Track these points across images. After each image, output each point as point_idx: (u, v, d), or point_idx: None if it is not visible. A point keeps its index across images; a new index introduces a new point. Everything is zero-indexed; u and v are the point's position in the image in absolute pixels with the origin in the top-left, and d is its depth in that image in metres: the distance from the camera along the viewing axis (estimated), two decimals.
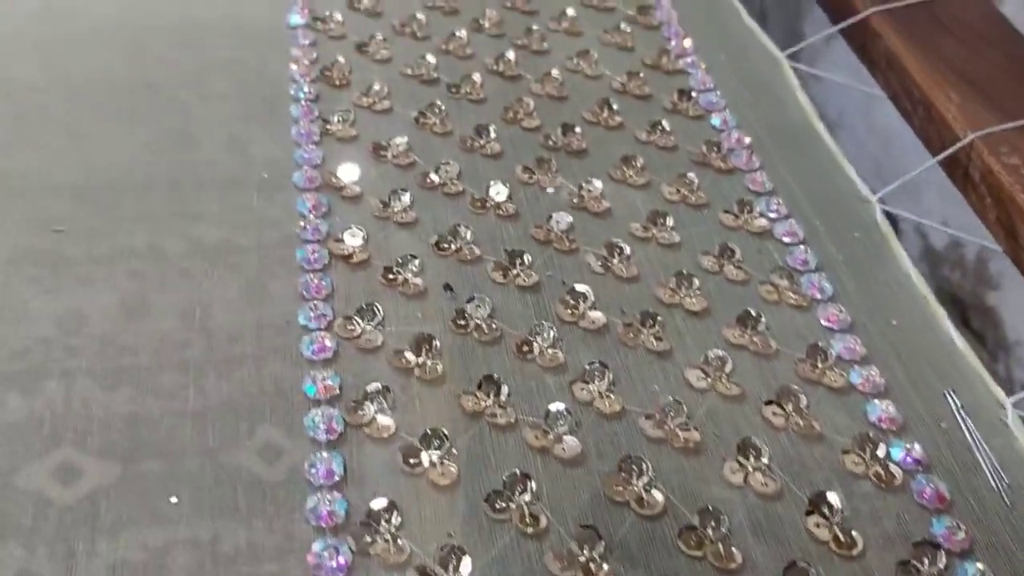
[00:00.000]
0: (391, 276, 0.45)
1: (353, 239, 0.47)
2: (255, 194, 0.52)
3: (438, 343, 0.42)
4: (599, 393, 0.40)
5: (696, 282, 0.46)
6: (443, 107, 0.54)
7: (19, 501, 0.37)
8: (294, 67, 0.57)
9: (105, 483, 0.38)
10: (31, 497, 0.37)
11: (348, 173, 0.50)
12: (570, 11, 0.63)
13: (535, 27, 0.61)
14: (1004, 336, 1.19)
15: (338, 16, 0.61)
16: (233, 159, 0.55)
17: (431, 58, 0.58)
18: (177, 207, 0.52)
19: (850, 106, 1.23)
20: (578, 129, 0.54)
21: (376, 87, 0.55)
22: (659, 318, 0.44)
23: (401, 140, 0.52)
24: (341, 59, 0.57)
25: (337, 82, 0.56)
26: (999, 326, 1.19)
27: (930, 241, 1.26)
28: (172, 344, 0.44)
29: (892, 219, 0.52)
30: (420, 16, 0.61)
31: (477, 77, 0.57)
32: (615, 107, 0.56)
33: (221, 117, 0.58)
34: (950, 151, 0.54)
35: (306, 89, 0.55)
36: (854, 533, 0.37)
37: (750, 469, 0.38)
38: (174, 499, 0.37)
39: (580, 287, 0.45)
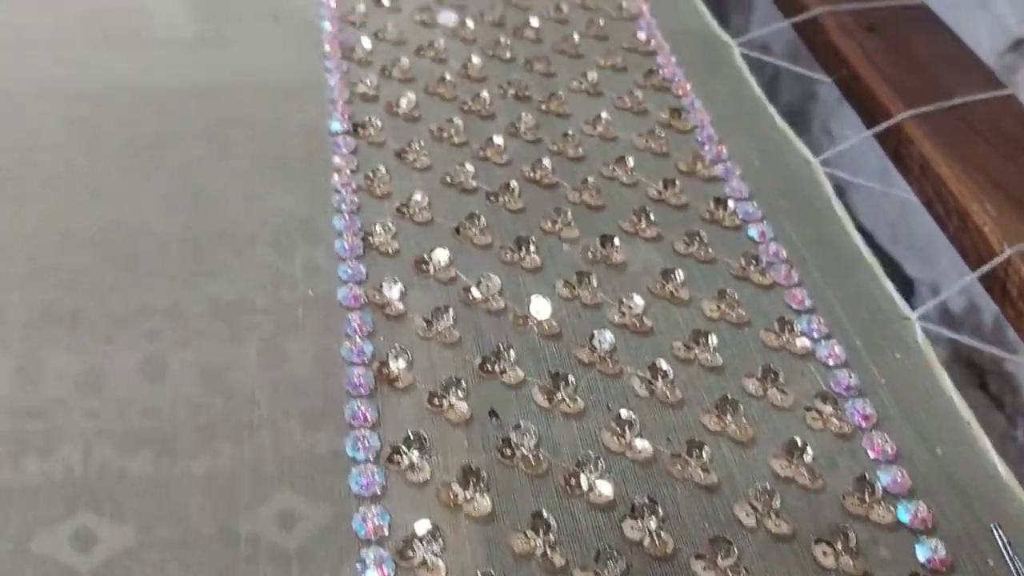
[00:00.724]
0: (436, 402, 0.45)
1: (398, 361, 0.47)
2: (272, 252, 0.54)
3: (485, 475, 0.42)
4: (649, 531, 0.40)
5: (741, 407, 0.46)
6: (482, 217, 0.55)
7: (36, 568, 0.38)
8: (336, 177, 0.58)
9: (122, 549, 0.39)
10: (48, 564, 0.38)
11: (392, 290, 0.50)
12: (604, 115, 0.64)
13: (570, 131, 0.62)
14: (1022, 402, 1.18)
15: (377, 122, 0.61)
16: (250, 215, 0.56)
17: (469, 166, 0.58)
18: (195, 264, 0.53)
19: (882, 211, 1.24)
20: (617, 241, 0.54)
21: (417, 197, 0.56)
22: (705, 447, 0.44)
23: (443, 254, 0.52)
24: (382, 168, 0.58)
25: (378, 191, 0.57)
26: (1017, 392, 1.19)
27: (946, 303, 1.26)
28: (189, 406, 0.45)
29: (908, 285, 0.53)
30: (457, 120, 0.62)
31: (515, 184, 0.57)
32: (652, 217, 0.56)
33: (239, 173, 0.59)
34: (987, 267, 0.54)
35: (348, 200, 0.56)
36: None
37: None
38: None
39: (625, 414, 0.45)
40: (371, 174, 0.58)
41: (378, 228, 0.54)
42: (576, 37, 0.71)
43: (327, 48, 0.67)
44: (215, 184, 0.59)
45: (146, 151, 0.61)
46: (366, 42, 0.67)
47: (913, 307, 0.52)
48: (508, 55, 0.69)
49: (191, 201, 0.58)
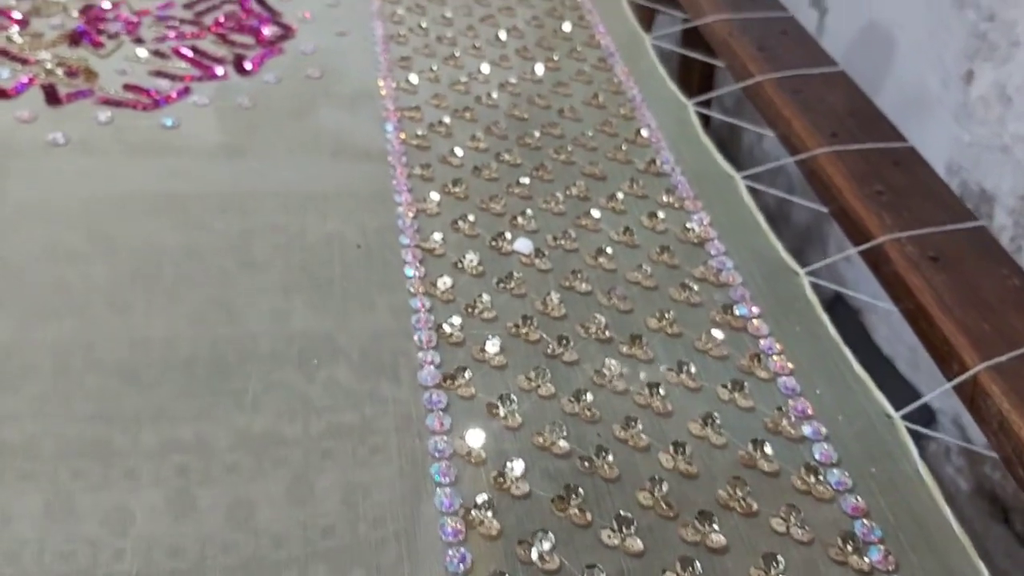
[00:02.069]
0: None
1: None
2: (299, 375, 0.56)
3: None
4: None
5: None
6: (580, 488, 0.55)
7: None
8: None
9: None
10: None
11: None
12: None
13: (660, 389, 0.63)
14: None
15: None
16: (275, 333, 0.58)
17: (560, 422, 0.59)
18: (220, 386, 0.55)
19: (901, 333, 1.26)
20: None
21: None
22: None
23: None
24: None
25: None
26: None
27: (968, 435, 1.26)
28: (217, 546, 0.44)
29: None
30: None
31: (607, 445, 0.58)
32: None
33: (264, 288, 0.62)
34: None
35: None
36: None
37: None
38: None
39: None
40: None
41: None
42: (649, 268, 0.72)
43: (413, 292, 0.68)
44: (241, 298, 0.60)
45: (170, 263, 0.63)
46: (446, 280, 0.68)
47: (938, 428, 0.53)
48: (584, 287, 0.70)
49: (216, 318, 0.58)
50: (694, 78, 1.23)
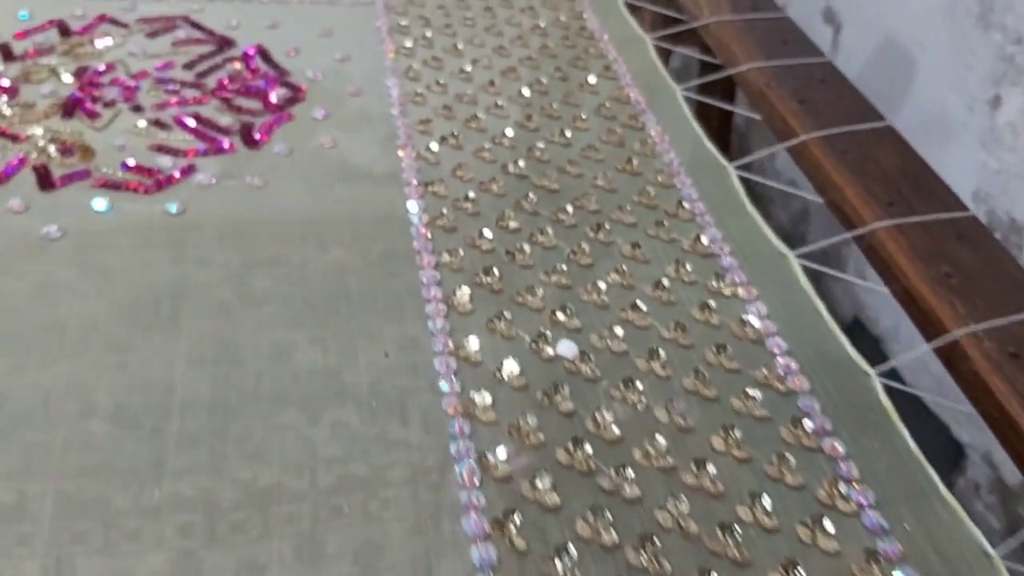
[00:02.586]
0: None
1: None
2: (303, 417, 0.54)
3: None
4: None
5: None
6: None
7: None
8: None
9: None
10: None
11: None
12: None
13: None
14: None
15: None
16: (276, 372, 0.57)
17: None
18: (223, 430, 0.53)
19: (927, 367, 1.20)
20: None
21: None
22: None
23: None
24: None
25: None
26: None
27: (1001, 473, 1.21)
28: None
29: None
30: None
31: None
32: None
33: (265, 323, 0.60)
34: None
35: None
36: None
37: None
38: None
39: None
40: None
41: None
42: (707, 372, 0.66)
43: (449, 412, 0.61)
44: (240, 334, 0.59)
45: (167, 298, 0.62)
46: (485, 398, 0.62)
47: (978, 489, 0.48)
48: (643, 403, 0.63)
49: (216, 358, 0.57)
50: (712, 124, 1.16)
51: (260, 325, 0.64)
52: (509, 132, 0.88)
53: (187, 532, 0.47)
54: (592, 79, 0.98)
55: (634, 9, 1.14)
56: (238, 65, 0.94)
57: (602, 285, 0.72)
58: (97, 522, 0.47)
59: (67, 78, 0.89)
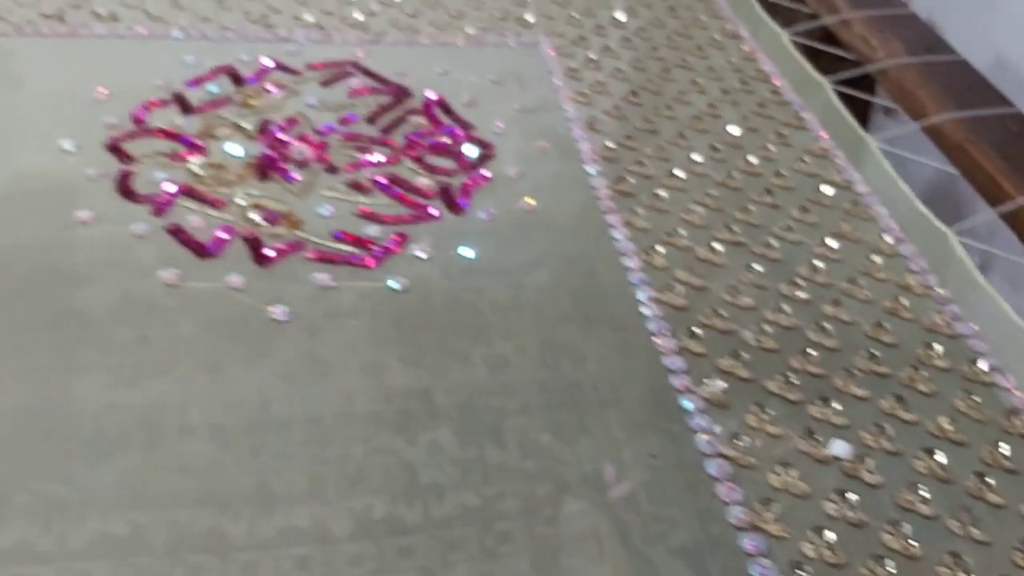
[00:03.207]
0: None
1: None
2: (399, 438, 0.55)
3: None
4: None
5: None
6: None
7: None
8: None
9: None
10: None
11: None
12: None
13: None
14: None
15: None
16: (367, 388, 0.58)
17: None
18: (320, 451, 0.54)
19: None
20: None
21: None
22: None
23: None
24: None
25: None
26: None
27: None
28: None
29: None
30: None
31: None
32: None
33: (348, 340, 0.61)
34: None
35: None
36: None
37: None
38: None
39: None
40: None
41: None
42: (992, 480, 0.62)
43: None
44: (328, 352, 0.60)
45: (257, 320, 0.63)
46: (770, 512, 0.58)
47: None
48: (926, 509, 0.60)
49: (309, 375, 0.58)
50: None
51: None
52: (713, 192, 0.84)
53: (304, 566, 0.46)
54: (784, 130, 0.94)
55: (803, 48, 1.10)
56: (422, 119, 0.90)
57: (856, 373, 0.68)
58: (213, 555, 0.47)
59: (249, 128, 0.86)
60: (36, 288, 0.66)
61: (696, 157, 0.89)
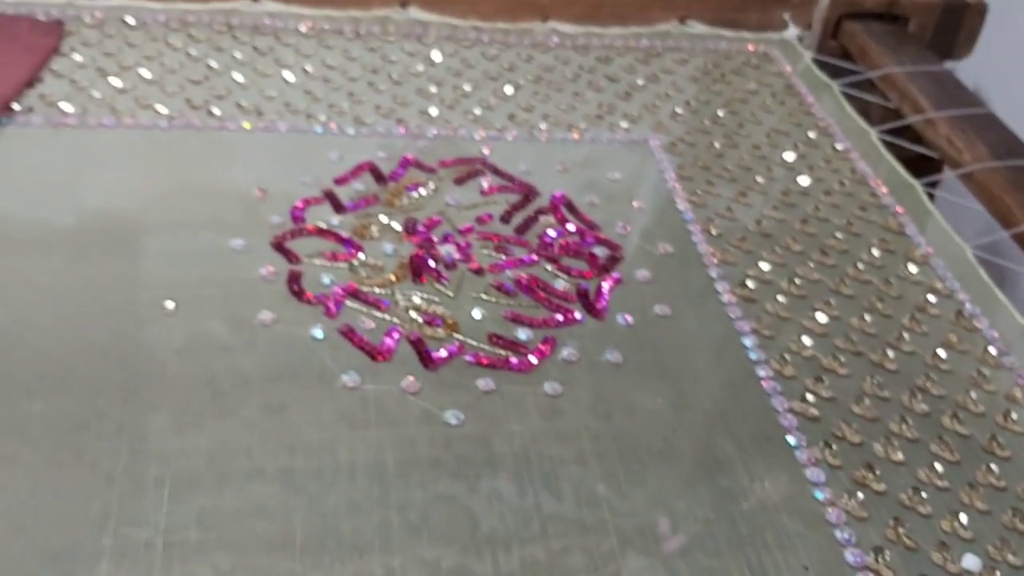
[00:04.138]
0: None
1: None
2: (461, 485, 0.60)
3: None
4: None
5: None
6: None
7: None
8: None
9: None
10: None
11: None
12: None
13: None
14: None
15: None
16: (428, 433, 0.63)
17: None
18: (383, 498, 0.58)
19: None
20: None
21: None
22: None
23: None
24: None
25: None
26: None
27: None
28: None
29: None
30: None
31: None
32: None
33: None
34: None
35: None
36: None
37: None
38: None
39: None
40: None
41: None
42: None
43: None
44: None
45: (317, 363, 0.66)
46: None
47: None
48: None
49: (370, 422, 0.61)
50: None
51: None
52: (832, 300, 0.91)
53: None
54: (887, 236, 1.01)
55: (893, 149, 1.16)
56: (551, 218, 0.97)
57: (975, 488, 0.74)
58: None
59: (396, 227, 0.93)
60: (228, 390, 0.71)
61: (812, 265, 0.95)
